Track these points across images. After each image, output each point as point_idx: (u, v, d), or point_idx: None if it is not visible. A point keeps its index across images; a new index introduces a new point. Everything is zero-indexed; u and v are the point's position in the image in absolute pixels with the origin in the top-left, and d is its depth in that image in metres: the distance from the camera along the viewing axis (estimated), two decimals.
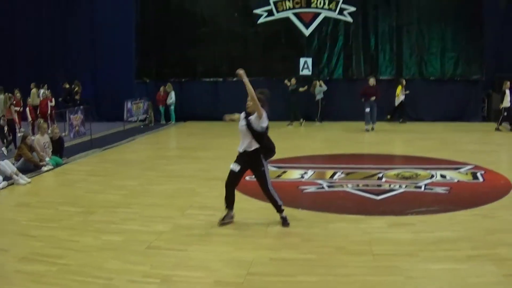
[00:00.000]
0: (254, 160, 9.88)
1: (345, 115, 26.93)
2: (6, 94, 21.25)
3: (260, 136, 9.78)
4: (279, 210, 10.10)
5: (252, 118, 9.77)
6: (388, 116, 27.47)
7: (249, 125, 9.74)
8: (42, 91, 26.05)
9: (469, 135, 23.22)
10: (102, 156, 18.92)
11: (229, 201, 10.18)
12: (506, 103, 23.86)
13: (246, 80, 9.71)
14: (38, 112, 24.32)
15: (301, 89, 26.90)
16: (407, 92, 27.14)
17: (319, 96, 27.66)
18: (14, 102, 21.62)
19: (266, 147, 9.90)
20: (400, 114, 27.51)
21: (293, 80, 27.06)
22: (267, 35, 29.40)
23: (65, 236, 9.67)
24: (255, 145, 9.79)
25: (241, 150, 9.93)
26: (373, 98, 24.59)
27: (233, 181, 10.09)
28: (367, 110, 24.68)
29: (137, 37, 30.32)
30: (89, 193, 13.19)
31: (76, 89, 27.37)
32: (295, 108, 27.06)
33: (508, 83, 23.76)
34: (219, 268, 8.04)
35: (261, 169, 9.92)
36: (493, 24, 27.23)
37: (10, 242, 9.37)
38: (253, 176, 10.20)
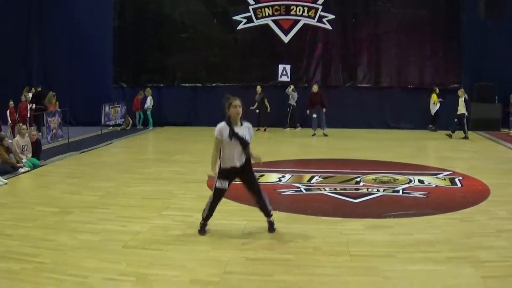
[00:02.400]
0: (247, 168, 9.51)
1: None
2: (51, 92, 24.35)
3: (248, 146, 9.42)
4: (268, 214, 9.82)
5: (246, 130, 9.37)
6: (431, 126, 27.43)
7: (242, 139, 9.22)
8: (30, 94, 26.21)
9: (447, 142, 23.33)
10: (79, 159, 18.76)
11: (209, 217, 9.75)
12: (461, 110, 24.29)
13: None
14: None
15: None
16: (441, 100, 27.06)
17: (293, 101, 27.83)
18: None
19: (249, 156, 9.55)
20: (433, 122, 27.48)
21: (258, 88, 27.30)
22: (246, 41, 29.38)
23: (41, 235, 9.56)
24: (245, 156, 9.43)
25: (236, 164, 9.34)
26: (318, 105, 25.37)
27: (220, 199, 9.65)
28: (314, 116, 25.50)
29: (114, 42, 30.11)
30: (66, 194, 13.06)
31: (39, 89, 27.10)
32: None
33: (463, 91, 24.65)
34: (195, 267, 7.99)
35: (253, 172, 9.71)
36: (471, 33, 27.39)
37: None
38: None
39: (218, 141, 9.27)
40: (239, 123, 9.32)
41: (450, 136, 24.33)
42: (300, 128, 27.92)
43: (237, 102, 9.23)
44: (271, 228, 9.77)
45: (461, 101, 24.27)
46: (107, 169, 16.84)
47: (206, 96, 28.87)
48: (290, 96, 27.59)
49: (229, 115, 9.27)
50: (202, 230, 9.72)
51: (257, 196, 9.71)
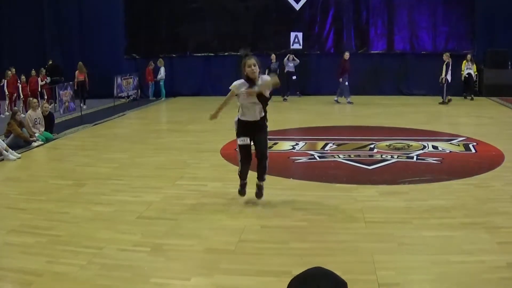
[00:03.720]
0: (262, 125, 9.18)
1: (335, 89, 26.65)
2: (80, 62, 26.36)
3: (266, 102, 9.16)
4: (262, 178, 9.43)
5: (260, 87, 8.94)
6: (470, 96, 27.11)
7: (260, 95, 8.92)
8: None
9: (460, 108, 23.20)
10: (92, 131, 18.76)
11: (244, 176, 9.49)
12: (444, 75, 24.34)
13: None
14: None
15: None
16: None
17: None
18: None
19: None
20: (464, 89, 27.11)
21: (273, 56, 26.96)
22: (258, 10, 29.09)
23: (54, 208, 9.57)
24: (263, 112, 9.11)
25: (254, 119, 9.08)
26: (347, 73, 25.25)
27: (245, 155, 9.30)
28: (346, 83, 25.25)
29: (126, 13, 29.97)
30: (79, 166, 13.08)
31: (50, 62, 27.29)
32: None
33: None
34: (210, 236, 8.00)
35: (267, 131, 9.27)
36: None
37: None
38: None
39: (231, 94, 9.18)
40: (258, 81, 8.99)
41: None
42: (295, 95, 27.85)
43: (251, 61, 8.92)
44: (259, 193, 9.49)
45: (445, 65, 24.17)
46: (120, 141, 16.90)
47: (218, 66, 28.73)
48: (292, 64, 27.34)
49: (246, 74, 9.01)
50: (242, 190, 9.59)
51: (263, 156, 9.34)
